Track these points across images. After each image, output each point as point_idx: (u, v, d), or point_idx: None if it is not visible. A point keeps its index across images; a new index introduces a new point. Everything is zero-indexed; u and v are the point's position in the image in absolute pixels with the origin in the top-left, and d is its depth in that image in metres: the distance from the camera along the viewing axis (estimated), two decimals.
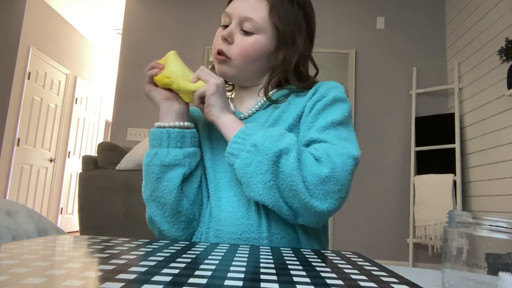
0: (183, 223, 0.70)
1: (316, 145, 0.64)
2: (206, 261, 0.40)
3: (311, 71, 0.81)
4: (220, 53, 0.74)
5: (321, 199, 0.59)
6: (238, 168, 0.62)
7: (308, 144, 0.66)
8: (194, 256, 0.43)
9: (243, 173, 0.62)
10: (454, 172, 3.04)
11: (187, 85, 0.68)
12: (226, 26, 0.76)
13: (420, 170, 3.27)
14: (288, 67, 0.75)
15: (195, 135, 0.72)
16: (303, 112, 0.73)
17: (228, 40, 0.73)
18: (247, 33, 0.73)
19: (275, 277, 0.34)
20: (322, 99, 0.72)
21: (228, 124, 0.67)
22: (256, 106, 0.78)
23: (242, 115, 0.78)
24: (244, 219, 0.66)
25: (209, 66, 0.80)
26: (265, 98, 0.77)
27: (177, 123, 0.70)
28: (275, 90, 0.78)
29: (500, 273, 0.36)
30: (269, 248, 0.54)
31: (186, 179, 0.70)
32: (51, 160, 4.89)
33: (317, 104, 0.71)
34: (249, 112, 0.78)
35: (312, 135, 0.67)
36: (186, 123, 0.71)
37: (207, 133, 0.77)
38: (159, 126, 0.70)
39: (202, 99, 0.68)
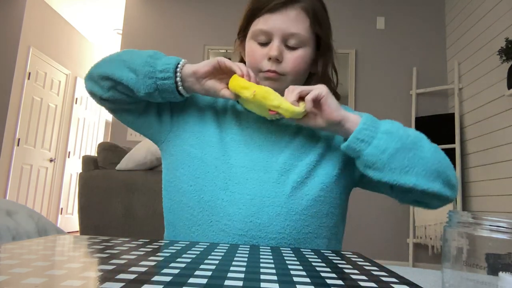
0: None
1: None
2: (206, 261, 0.40)
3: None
4: (270, 71, 0.73)
5: (450, 189, 0.67)
6: (369, 155, 0.64)
7: None
8: (194, 256, 0.43)
9: (376, 159, 0.64)
10: None
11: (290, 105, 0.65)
12: (263, 44, 0.74)
13: None
14: (326, 71, 0.78)
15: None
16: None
17: (278, 59, 0.72)
18: (293, 48, 0.73)
19: (275, 277, 0.34)
20: None
21: (351, 117, 0.66)
22: None
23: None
24: (254, 218, 0.66)
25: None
26: None
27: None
28: None
29: (500, 273, 0.36)
30: (269, 248, 0.54)
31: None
32: (51, 160, 4.89)
33: None
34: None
35: None
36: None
37: (217, 128, 0.75)
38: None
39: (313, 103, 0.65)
